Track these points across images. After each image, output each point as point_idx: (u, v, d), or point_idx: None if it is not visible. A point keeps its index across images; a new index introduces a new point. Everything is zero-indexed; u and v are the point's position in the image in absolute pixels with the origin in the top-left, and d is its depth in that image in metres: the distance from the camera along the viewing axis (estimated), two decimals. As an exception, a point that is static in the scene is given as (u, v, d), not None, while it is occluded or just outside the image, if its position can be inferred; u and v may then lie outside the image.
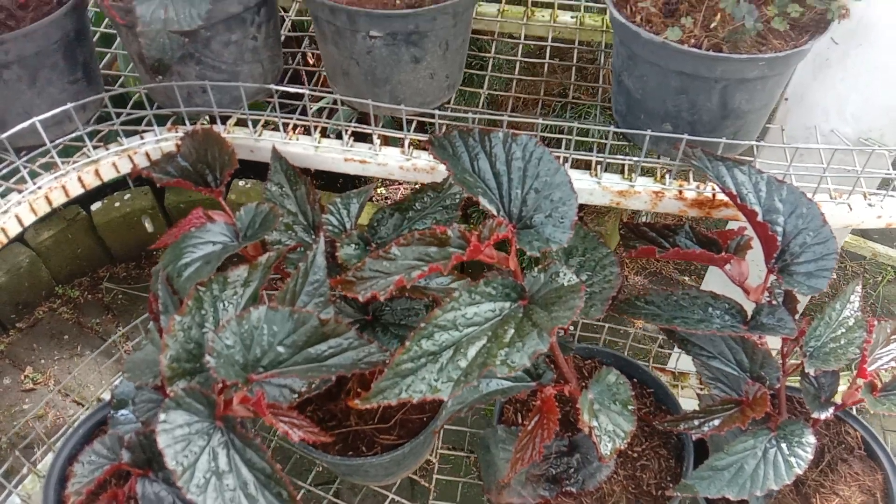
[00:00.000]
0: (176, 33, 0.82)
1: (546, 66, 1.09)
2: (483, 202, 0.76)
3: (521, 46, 1.11)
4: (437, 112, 0.90)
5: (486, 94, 1.06)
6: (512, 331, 0.69)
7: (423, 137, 0.94)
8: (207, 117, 1.00)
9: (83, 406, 1.91)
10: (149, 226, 2.12)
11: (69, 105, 0.89)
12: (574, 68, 1.08)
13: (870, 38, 0.88)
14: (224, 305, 0.80)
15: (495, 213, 0.76)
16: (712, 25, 0.80)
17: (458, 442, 1.50)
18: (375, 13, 0.83)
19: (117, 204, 2.14)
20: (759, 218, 0.80)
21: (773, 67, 0.79)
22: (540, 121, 0.87)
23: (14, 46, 0.84)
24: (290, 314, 0.74)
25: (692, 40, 0.81)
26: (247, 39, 0.92)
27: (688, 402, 1.22)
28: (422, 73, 0.92)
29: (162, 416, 0.69)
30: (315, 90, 0.92)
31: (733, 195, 0.81)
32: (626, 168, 0.92)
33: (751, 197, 0.82)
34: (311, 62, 1.13)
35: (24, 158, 0.91)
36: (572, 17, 1.13)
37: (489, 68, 1.10)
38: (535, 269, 0.75)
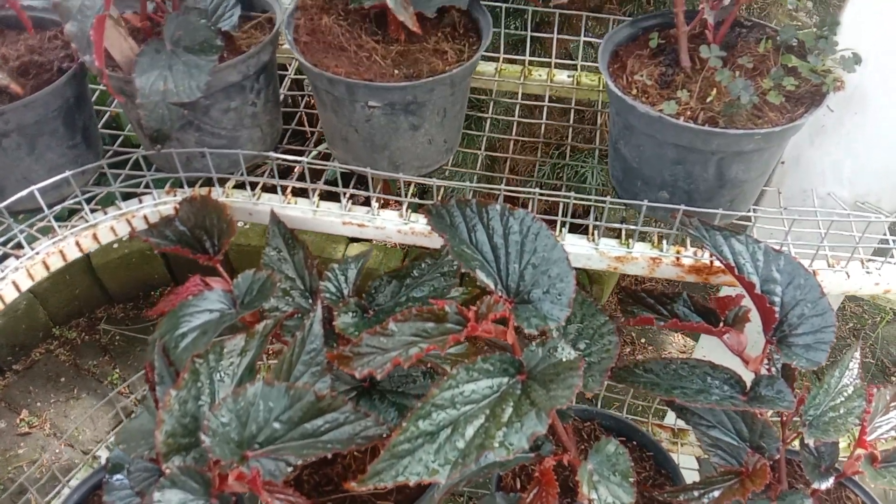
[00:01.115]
0: (175, 105, 0.83)
1: (543, 126, 1.10)
2: (480, 276, 0.76)
3: (518, 106, 1.11)
4: (434, 181, 0.90)
5: (483, 154, 1.06)
6: (510, 409, 0.69)
7: (421, 202, 0.94)
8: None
9: (77, 450, 1.89)
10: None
11: (68, 173, 0.90)
12: (571, 128, 1.09)
13: (865, 107, 0.89)
14: (220, 376, 0.80)
15: (492, 286, 0.76)
16: (708, 99, 0.81)
17: (456, 490, 1.49)
18: (373, 85, 0.84)
19: (115, 245, 2.15)
20: (757, 290, 0.80)
21: (770, 140, 0.79)
22: (536, 191, 0.87)
23: (14, 116, 0.85)
24: (286, 390, 0.74)
25: (688, 112, 0.81)
26: (246, 106, 0.93)
27: (688, 460, 1.21)
28: (420, 139, 0.92)
29: (157, 496, 0.69)
30: (312, 162, 0.92)
31: (731, 266, 0.81)
32: (623, 233, 0.92)
33: (748, 267, 0.82)
34: (310, 121, 1.13)
35: (24, 223, 0.91)
36: (569, 77, 1.14)
37: (486, 128, 1.10)
38: (534, 343, 0.75)
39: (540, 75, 1.15)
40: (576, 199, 0.87)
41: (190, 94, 0.82)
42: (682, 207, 0.84)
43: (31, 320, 2.09)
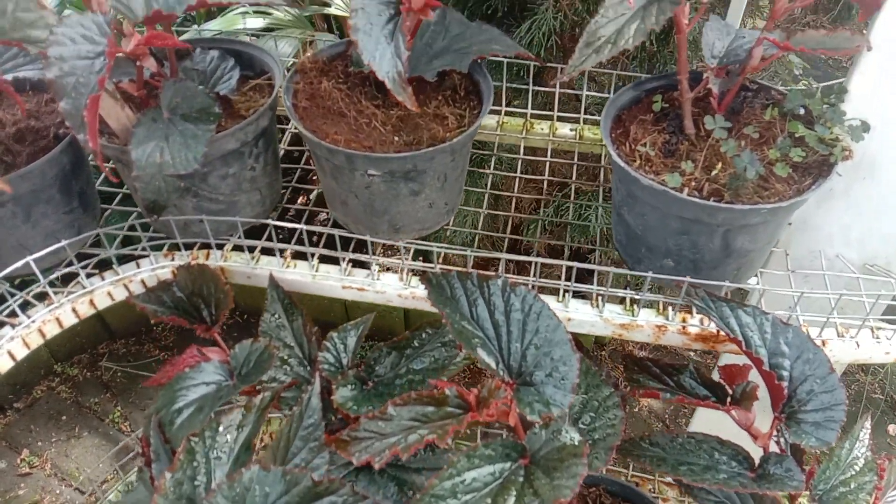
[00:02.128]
0: (172, 176, 0.82)
1: (545, 182, 1.08)
2: (482, 356, 0.74)
3: (520, 162, 1.10)
4: (434, 246, 0.89)
5: (485, 213, 1.05)
6: (512, 500, 0.67)
7: (422, 266, 0.93)
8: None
9: (78, 492, 1.87)
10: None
11: (63, 242, 0.89)
12: (573, 186, 1.08)
13: (873, 173, 0.87)
14: (217, 454, 0.78)
15: (494, 366, 0.74)
16: (713, 172, 0.79)
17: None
18: (373, 156, 0.83)
19: (118, 280, 2.13)
20: (766, 366, 0.78)
21: (776, 214, 0.78)
22: (538, 260, 0.86)
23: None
24: (283, 475, 0.72)
25: (692, 184, 0.80)
26: (244, 171, 0.92)
27: (695, 518, 1.19)
28: (420, 203, 0.91)
29: (150, 588, 0.67)
30: (311, 227, 0.91)
31: (738, 341, 0.79)
32: (628, 299, 0.91)
33: (755, 339, 0.80)
34: (311, 177, 1.12)
35: (23, 292, 0.90)
36: (571, 130, 1.12)
37: (488, 185, 1.09)
38: (537, 424, 0.73)
39: (542, 129, 1.14)
40: (578, 267, 0.86)
41: (186, 166, 0.81)
42: (688, 280, 0.82)
43: (32, 358, 2.07)
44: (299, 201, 1.10)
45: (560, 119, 1.14)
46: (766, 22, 0.79)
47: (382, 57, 0.72)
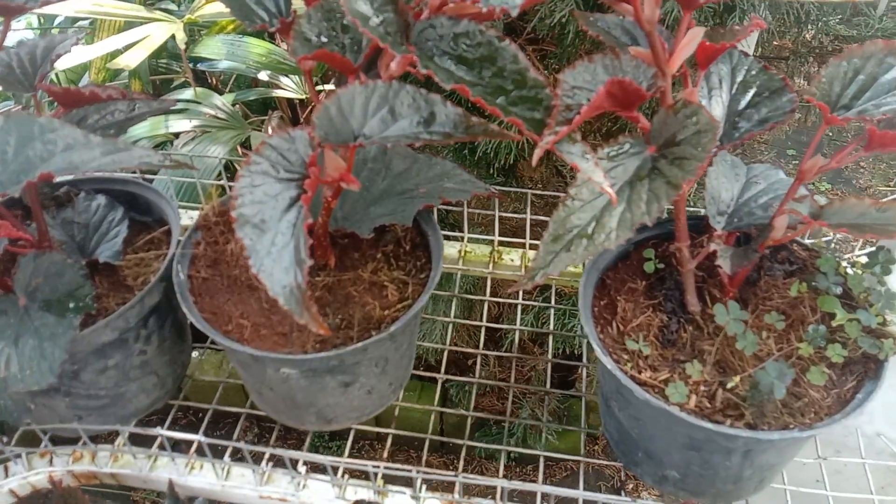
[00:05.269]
0: (22, 393, 0.62)
1: (516, 334, 0.89)
2: None
3: (486, 305, 0.91)
4: (369, 464, 0.69)
5: (443, 378, 0.86)
6: None
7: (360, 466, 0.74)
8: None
9: None
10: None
11: None
12: (552, 335, 0.89)
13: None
14: None
15: None
16: (729, 382, 0.60)
17: None
18: (284, 358, 0.64)
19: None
20: None
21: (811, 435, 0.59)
22: (504, 482, 0.67)
23: None
24: None
25: (702, 389, 0.61)
26: (131, 357, 0.73)
27: None
28: (355, 392, 0.72)
29: None
30: (213, 441, 0.72)
31: None
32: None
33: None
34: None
35: None
36: (548, 263, 0.94)
37: (448, 338, 0.90)
38: None
39: (512, 259, 0.95)
40: (548, 492, 0.66)
41: (40, 381, 0.62)
42: (699, 512, 0.63)
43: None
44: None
45: (533, 247, 0.96)
46: (793, 182, 0.60)
47: (276, 263, 0.52)
